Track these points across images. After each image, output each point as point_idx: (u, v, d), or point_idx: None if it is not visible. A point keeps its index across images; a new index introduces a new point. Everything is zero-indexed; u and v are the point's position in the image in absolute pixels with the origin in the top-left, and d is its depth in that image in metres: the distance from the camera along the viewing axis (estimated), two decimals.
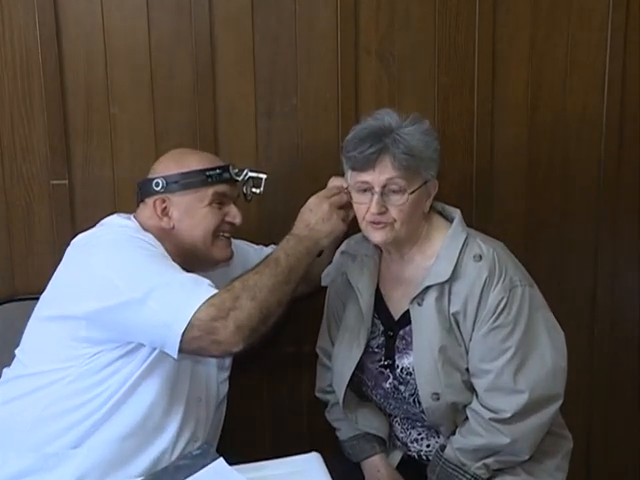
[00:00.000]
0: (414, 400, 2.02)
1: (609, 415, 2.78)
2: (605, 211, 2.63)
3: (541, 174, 2.59)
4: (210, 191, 1.97)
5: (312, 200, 1.99)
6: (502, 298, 1.90)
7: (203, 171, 1.97)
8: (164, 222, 1.96)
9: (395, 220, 1.92)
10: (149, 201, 1.98)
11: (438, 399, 1.95)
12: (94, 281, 1.81)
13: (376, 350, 2.08)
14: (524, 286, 1.93)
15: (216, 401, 2.08)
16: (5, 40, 2.25)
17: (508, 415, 1.89)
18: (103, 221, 2.01)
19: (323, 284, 2.23)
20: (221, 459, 1.78)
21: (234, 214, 2.02)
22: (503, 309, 1.90)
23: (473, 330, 1.93)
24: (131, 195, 2.14)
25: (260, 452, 1.92)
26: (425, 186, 1.94)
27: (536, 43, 2.51)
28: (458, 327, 1.95)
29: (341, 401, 2.12)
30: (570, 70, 2.54)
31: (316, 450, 1.91)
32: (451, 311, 1.94)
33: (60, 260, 1.98)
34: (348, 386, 2.10)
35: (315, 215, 1.95)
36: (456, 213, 2.03)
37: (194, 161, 2.00)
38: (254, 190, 2.12)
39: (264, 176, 2.13)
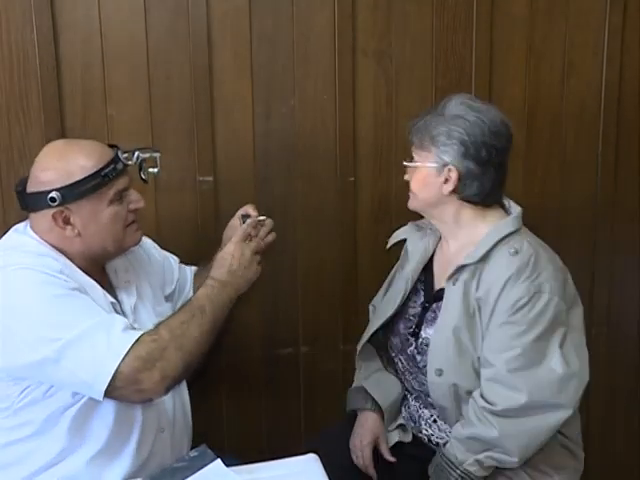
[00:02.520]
0: (425, 373, 2.07)
1: (606, 415, 2.79)
2: (603, 212, 2.64)
3: (539, 175, 2.59)
4: (112, 191, 1.83)
5: (232, 246, 1.94)
6: (523, 296, 1.90)
7: (98, 172, 1.80)
8: (68, 231, 1.82)
9: (411, 190, 2.06)
10: (46, 213, 1.81)
11: (440, 375, 2.00)
12: (2, 332, 1.72)
13: (411, 318, 2.14)
14: (553, 296, 1.91)
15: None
16: (2, 42, 2.25)
17: (499, 408, 1.90)
18: (1, 242, 1.89)
19: (388, 246, 2.26)
20: (218, 461, 1.77)
21: (136, 199, 1.90)
22: (521, 307, 1.90)
23: (490, 319, 1.95)
24: None
25: (257, 453, 1.93)
26: (439, 168, 1.98)
27: (533, 44, 2.52)
28: (480, 313, 1.97)
29: (359, 346, 2.21)
30: (567, 71, 2.55)
31: (313, 451, 1.90)
32: (475, 296, 1.97)
33: None
34: (372, 342, 2.22)
35: (237, 261, 1.92)
36: (515, 210, 2.05)
37: (83, 161, 1.81)
38: (151, 170, 1.98)
39: (158, 154, 1.98)
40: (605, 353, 2.73)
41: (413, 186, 2.04)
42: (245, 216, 2.07)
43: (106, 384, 1.68)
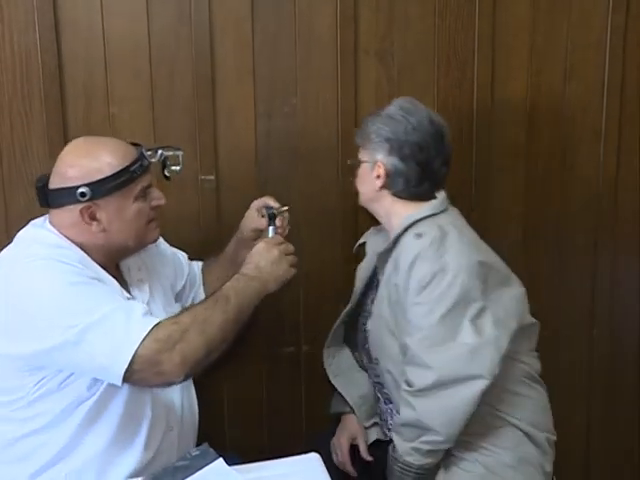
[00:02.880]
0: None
1: (608, 415, 2.79)
2: (604, 212, 2.64)
3: (540, 175, 2.60)
4: (138, 187, 1.87)
5: (261, 245, 1.99)
6: (425, 276, 1.95)
7: (127, 169, 1.85)
8: (94, 227, 1.85)
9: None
10: (72, 208, 1.84)
11: (378, 364, 2.11)
12: (22, 320, 1.75)
13: (366, 314, 2.21)
14: (458, 274, 1.94)
15: (179, 389, 2.03)
16: (5, 42, 2.25)
17: (415, 388, 1.93)
18: (19, 235, 1.91)
19: (354, 250, 2.32)
20: (220, 459, 1.77)
21: (158, 196, 1.94)
22: (425, 287, 1.94)
23: (405, 303, 2.00)
24: None
25: (258, 452, 1.93)
26: (372, 165, 2.08)
27: (535, 44, 2.52)
28: (399, 298, 2.02)
29: (326, 344, 2.31)
30: (569, 71, 2.55)
31: (315, 450, 1.91)
32: (395, 282, 2.02)
33: None
34: (347, 343, 2.31)
35: (265, 258, 1.95)
36: (440, 196, 2.09)
37: (110, 158, 1.84)
38: (173, 168, 2.03)
39: (181, 152, 2.03)
40: (607, 354, 2.74)
41: (356, 182, 2.15)
42: (268, 208, 2.12)
43: (124, 367, 1.69)
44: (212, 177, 2.40)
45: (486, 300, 1.95)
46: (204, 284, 2.27)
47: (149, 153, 1.93)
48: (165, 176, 2.01)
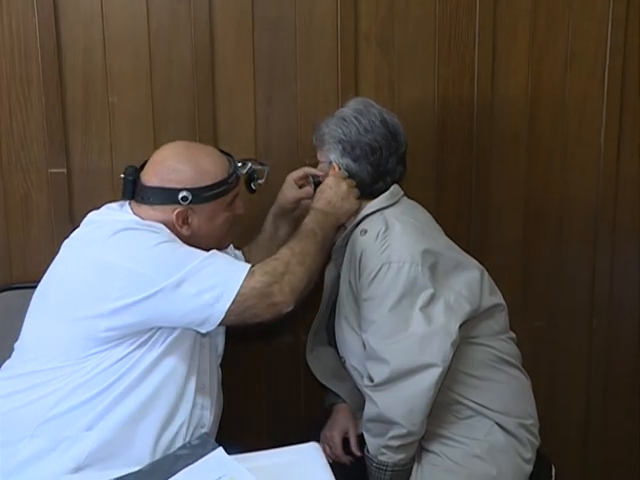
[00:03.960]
0: None
1: (607, 405, 2.79)
2: (604, 202, 2.63)
3: (540, 165, 2.59)
4: (230, 197, 1.96)
5: (330, 179, 2.08)
6: (373, 270, 1.97)
7: (227, 179, 1.94)
8: (184, 230, 1.92)
9: None
10: (167, 209, 1.90)
11: (345, 362, 2.14)
12: (117, 276, 1.78)
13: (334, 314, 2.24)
14: (403, 264, 1.95)
15: (217, 387, 2.08)
16: (3, 26, 2.24)
17: (374, 383, 1.94)
18: (95, 217, 1.95)
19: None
20: (220, 449, 1.78)
21: (240, 206, 2.02)
22: (372, 281, 1.97)
23: (359, 299, 2.02)
24: None
25: (258, 442, 1.93)
26: (328, 165, 2.11)
27: (536, 34, 2.51)
28: (355, 295, 2.05)
29: (307, 348, 2.30)
30: (570, 61, 2.54)
31: (314, 439, 1.92)
32: (348, 279, 2.07)
33: (57, 250, 1.95)
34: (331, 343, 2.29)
35: (335, 194, 2.05)
36: (391, 189, 2.11)
37: (213, 166, 1.93)
38: (259, 182, 2.14)
39: (267, 168, 2.15)
40: (605, 344, 2.74)
41: None
42: (314, 176, 2.15)
43: (229, 304, 1.77)
44: None
45: (437, 287, 1.97)
46: None
47: (240, 165, 2.02)
48: (251, 189, 2.13)
